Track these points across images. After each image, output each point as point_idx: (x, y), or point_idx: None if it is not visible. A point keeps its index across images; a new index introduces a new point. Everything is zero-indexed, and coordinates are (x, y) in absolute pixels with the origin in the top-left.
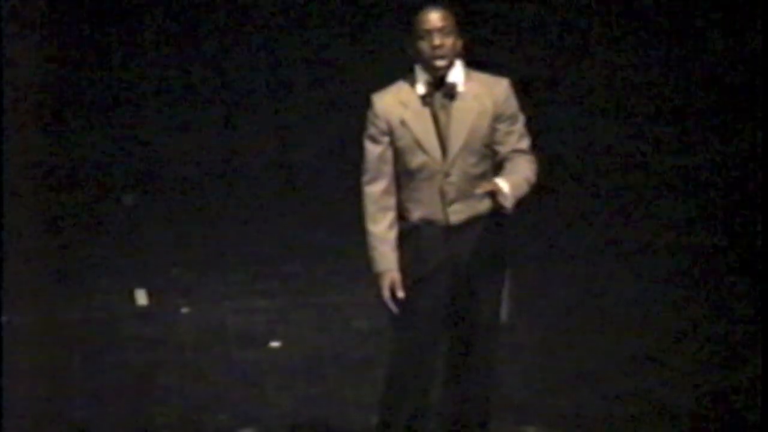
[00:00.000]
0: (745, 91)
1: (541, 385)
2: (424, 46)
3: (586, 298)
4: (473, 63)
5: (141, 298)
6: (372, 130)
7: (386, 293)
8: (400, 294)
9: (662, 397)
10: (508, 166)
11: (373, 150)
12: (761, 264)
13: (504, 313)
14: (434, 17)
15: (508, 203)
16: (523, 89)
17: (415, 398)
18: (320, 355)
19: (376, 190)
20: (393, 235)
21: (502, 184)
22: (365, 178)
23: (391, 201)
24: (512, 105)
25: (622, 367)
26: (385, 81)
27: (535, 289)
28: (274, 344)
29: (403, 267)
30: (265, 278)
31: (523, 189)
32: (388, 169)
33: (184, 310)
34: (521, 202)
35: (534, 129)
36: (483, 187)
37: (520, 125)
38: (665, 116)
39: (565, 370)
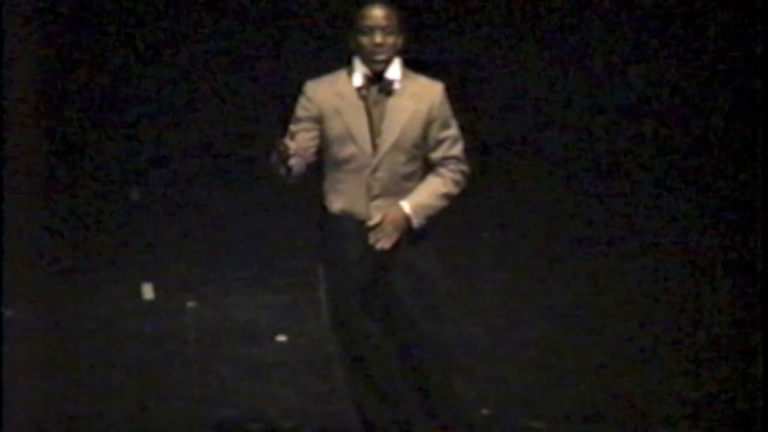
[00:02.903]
0: (745, 91)
1: (545, 381)
2: (364, 41)
3: (588, 296)
4: (414, 62)
5: (147, 292)
6: (301, 113)
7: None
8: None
9: (663, 394)
10: (429, 178)
11: (295, 128)
12: (761, 264)
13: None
14: (377, 15)
15: (412, 224)
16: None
17: (377, 388)
18: (326, 350)
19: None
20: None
21: (405, 206)
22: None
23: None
24: (446, 110)
25: (626, 364)
26: None
27: (539, 286)
28: (281, 339)
29: (325, 256)
30: (272, 273)
31: (434, 207)
32: (306, 145)
33: (191, 304)
34: (434, 216)
35: (534, 129)
36: (376, 219)
37: (453, 131)
38: (665, 116)
39: (570, 365)
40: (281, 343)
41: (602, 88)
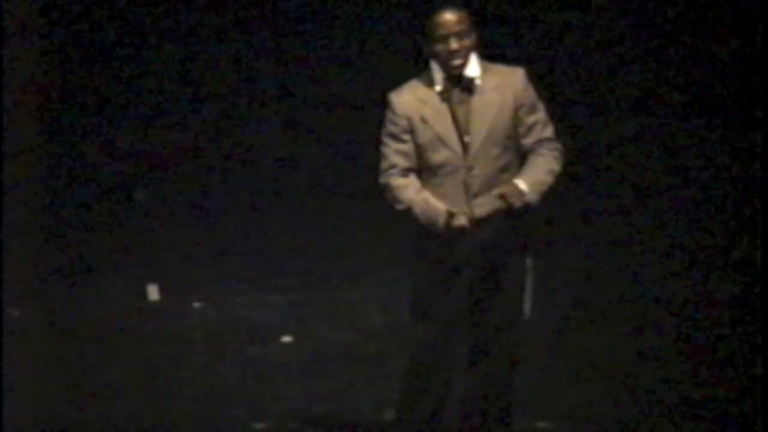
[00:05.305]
0: (745, 90)
1: (551, 382)
2: (440, 48)
3: (589, 296)
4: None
5: (153, 293)
6: (392, 128)
7: (462, 221)
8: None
9: (663, 394)
10: (530, 158)
11: (394, 147)
12: (761, 264)
13: (527, 308)
14: (450, 21)
15: (528, 199)
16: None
17: (433, 393)
18: (332, 350)
19: (401, 179)
20: (427, 193)
21: (520, 183)
22: (386, 175)
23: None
24: (531, 93)
25: (632, 365)
26: (391, 76)
27: (540, 286)
28: (286, 339)
29: (429, 259)
30: (277, 273)
31: (546, 183)
32: (410, 164)
33: (196, 305)
34: (547, 195)
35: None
36: (500, 190)
37: (541, 113)
38: (666, 116)
39: (576, 366)
40: (287, 343)
41: (602, 87)
